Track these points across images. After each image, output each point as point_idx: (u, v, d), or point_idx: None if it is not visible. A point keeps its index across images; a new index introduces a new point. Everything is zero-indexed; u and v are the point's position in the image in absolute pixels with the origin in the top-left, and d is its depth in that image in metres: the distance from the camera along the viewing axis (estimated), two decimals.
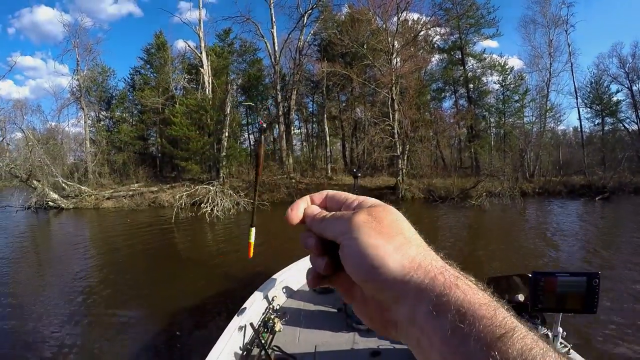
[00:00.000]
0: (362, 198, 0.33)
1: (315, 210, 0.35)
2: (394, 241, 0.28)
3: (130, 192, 21.55)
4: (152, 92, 24.89)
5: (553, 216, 14.54)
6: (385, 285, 0.27)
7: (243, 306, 2.87)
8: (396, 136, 18.51)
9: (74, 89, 26.16)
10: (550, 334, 1.95)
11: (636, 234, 9.83)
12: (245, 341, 2.57)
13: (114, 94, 28.66)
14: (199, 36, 23.24)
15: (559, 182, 20.56)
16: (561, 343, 1.96)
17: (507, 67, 23.53)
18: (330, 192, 0.37)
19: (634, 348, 3.75)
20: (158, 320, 4.92)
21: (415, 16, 21.73)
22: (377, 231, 0.28)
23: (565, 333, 1.95)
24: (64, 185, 22.08)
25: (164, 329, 4.63)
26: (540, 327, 2.05)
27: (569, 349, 1.97)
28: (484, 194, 16.61)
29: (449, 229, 12.05)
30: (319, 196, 0.37)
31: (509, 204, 16.28)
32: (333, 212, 0.33)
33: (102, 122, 28.20)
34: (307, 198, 0.37)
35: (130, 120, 27.99)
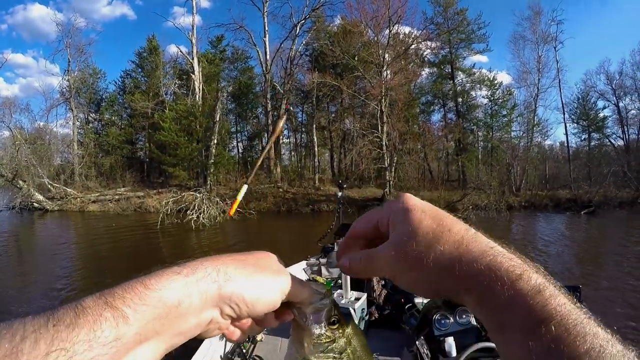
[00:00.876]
0: (387, 210, 0.34)
1: (351, 259, 0.36)
2: (425, 269, 0.29)
3: (117, 197, 21.31)
4: (142, 96, 24.73)
5: (538, 229, 14.70)
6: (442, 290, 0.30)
7: None
8: (384, 148, 18.58)
9: (64, 90, 25.98)
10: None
11: (619, 248, 9.95)
12: (226, 350, 2.49)
13: (104, 97, 28.48)
14: (191, 42, 23.24)
15: (545, 196, 20.78)
16: None
17: (496, 82, 23.92)
18: (356, 225, 0.37)
19: None
20: None
21: (407, 30, 22.05)
22: (407, 268, 0.31)
23: None
24: (49, 186, 21.77)
25: None
26: None
27: None
28: (471, 206, 16.74)
29: None
30: (350, 240, 0.38)
31: (495, 217, 16.42)
32: (366, 256, 0.35)
33: (91, 125, 27.93)
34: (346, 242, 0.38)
35: (119, 123, 27.74)
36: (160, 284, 0.27)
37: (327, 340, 0.33)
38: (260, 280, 0.31)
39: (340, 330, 0.33)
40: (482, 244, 0.30)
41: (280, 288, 0.32)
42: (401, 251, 0.31)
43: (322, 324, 0.32)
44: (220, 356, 2.42)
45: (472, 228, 0.32)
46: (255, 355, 2.52)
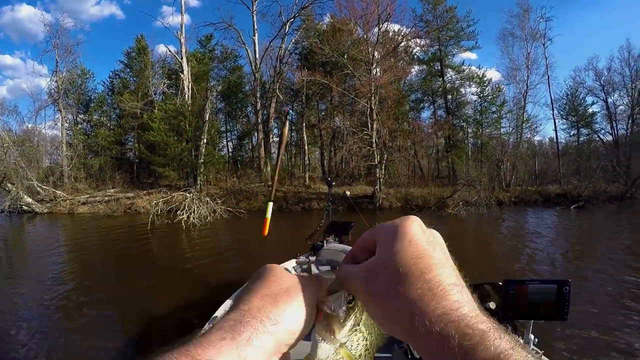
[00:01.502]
0: (379, 232, 0.33)
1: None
2: (383, 309, 0.29)
3: (106, 198, 21.06)
4: (131, 97, 24.44)
5: (528, 225, 14.73)
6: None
7: (214, 315, 2.74)
8: (374, 145, 18.57)
9: (52, 91, 25.57)
10: (522, 341, 1.95)
11: (608, 242, 10.03)
12: None
13: (92, 97, 28.09)
14: (180, 41, 23.01)
15: (535, 191, 20.94)
16: (533, 349, 1.95)
17: (485, 78, 24.09)
18: (364, 235, 0.36)
19: (603, 352, 3.88)
20: (128, 328, 4.85)
21: (396, 27, 22.05)
22: (370, 299, 0.31)
23: (537, 340, 1.96)
24: (38, 189, 21.44)
25: (134, 337, 4.55)
26: (512, 334, 2.05)
27: (541, 356, 1.99)
28: (461, 203, 16.78)
29: None
30: (349, 255, 0.38)
31: (485, 213, 16.46)
32: (347, 273, 0.34)
33: (80, 126, 27.55)
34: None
35: (108, 124, 27.40)
36: (209, 354, 0.24)
37: (351, 318, 0.34)
38: (299, 307, 0.31)
39: (355, 304, 0.35)
40: (449, 303, 0.27)
41: (314, 302, 0.33)
42: (369, 279, 0.30)
43: (344, 307, 0.34)
44: None
45: (451, 277, 0.29)
46: None
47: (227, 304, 3.02)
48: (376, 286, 0.30)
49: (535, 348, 1.97)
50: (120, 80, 27.04)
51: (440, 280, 0.28)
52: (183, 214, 15.17)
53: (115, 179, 23.64)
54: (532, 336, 1.91)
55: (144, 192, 21.77)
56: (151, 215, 13.95)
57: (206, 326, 2.48)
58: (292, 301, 0.31)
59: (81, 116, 27.91)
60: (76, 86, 27.16)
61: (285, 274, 0.34)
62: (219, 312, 2.80)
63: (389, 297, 0.29)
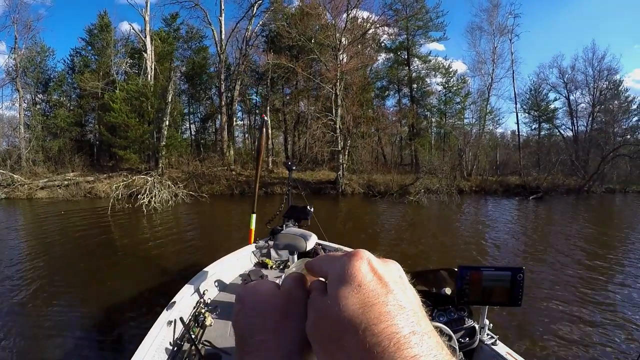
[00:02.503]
0: (331, 267, 0.30)
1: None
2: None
3: (66, 182, 20.23)
4: (92, 76, 23.41)
5: (488, 213, 15.09)
6: None
7: (173, 300, 2.70)
8: (338, 131, 18.60)
9: (10, 69, 24.13)
10: (477, 326, 1.99)
11: (564, 232, 10.32)
12: (176, 336, 2.41)
13: (52, 76, 26.65)
14: (144, 19, 22.15)
15: (495, 181, 21.59)
16: (488, 334, 1.99)
17: (451, 70, 24.51)
18: (310, 263, 0.34)
19: (556, 336, 4.05)
20: (88, 315, 4.72)
21: (365, 14, 21.99)
22: (319, 351, 0.27)
23: (491, 325, 2.00)
24: None
25: (93, 325, 4.44)
26: (466, 319, 2.07)
27: (496, 340, 1.99)
28: (422, 190, 17.07)
29: (387, 224, 12.21)
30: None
31: (446, 200, 16.81)
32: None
33: (38, 106, 26.16)
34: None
35: (68, 104, 26.20)
36: None
37: None
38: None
39: None
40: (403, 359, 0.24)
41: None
42: (314, 324, 0.28)
43: None
44: (170, 342, 2.33)
45: (409, 325, 0.25)
46: (205, 340, 2.45)
47: (186, 289, 3.00)
48: (321, 334, 0.27)
49: (491, 333, 2.00)
50: (81, 59, 25.83)
51: (394, 331, 0.24)
52: (144, 198, 14.76)
53: (75, 162, 22.71)
54: (487, 321, 1.96)
55: (105, 175, 21.06)
56: (111, 200, 13.58)
57: (165, 311, 2.52)
58: None
59: (40, 96, 26.52)
60: (35, 64, 25.74)
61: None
62: (177, 298, 2.78)
63: (334, 347, 0.25)
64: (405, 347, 0.23)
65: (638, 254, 7.70)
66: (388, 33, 22.94)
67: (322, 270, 0.31)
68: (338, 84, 18.84)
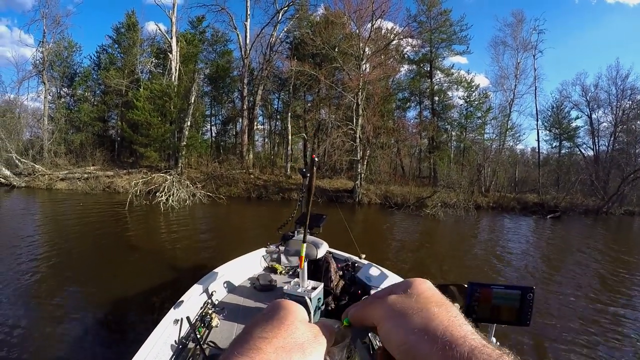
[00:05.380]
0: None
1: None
2: (416, 318, 0.31)
3: (86, 175, 20.71)
4: (117, 73, 23.93)
5: (504, 230, 14.89)
6: None
7: (180, 299, 2.75)
8: (358, 141, 18.61)
9: (37, 62, 24.93)
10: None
11: (579, 254, 10.16)
12: (181, 335, 2.44)
13: (77, 71, 27.37)
14: (171, 20, 22.55)
15: (513, 198, 21.24)
16: None
17: (473, 84, 24.30)
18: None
19: (562, 358, 4.03)
20: (96, 307, 4.82)
21: (389, 25, 22.04)
22: (403, 313, 0.32)
23: (498, 343, 2.00)
24: (17, 162, 20.92)
25: (100, 318, 4.52)
26: None
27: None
28: (439, 204, 16.91)
29: (402, 235, 12.20)
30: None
31: (462, 215, 16.62)
32: (369, 300, 0.37)
33: (63, 99, 26.88)
34: None
35: (92, 100, 26.80)
36: None
37: None
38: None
39: (353, 357, 0.37)
40: (467, 327, 0.31)
41: (324, 356, 0.33)
42: (401, 302, 0.33)
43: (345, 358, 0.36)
44: (175, 341, 2.36)
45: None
46: (210, 341, 2.46)
47: (194, 288, 3.03)
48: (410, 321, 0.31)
49: None
50: (107, 56, 26.40)
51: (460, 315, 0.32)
52: (162, 196, 15.01)
53: (96, 156, 23.19)
54: (494, 339, 1.93)
55: (124, 171, 21.47)
56: (130, 196, 13.78)
57: (172, 309, 2.56)
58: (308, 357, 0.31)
59: (65, 90, 27.25)
60: (62, 59, 26.49)
61: (299, 325, 0.34)
62: (185, 297, 2.81)
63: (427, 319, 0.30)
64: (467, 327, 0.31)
65: None
66: (411, 45, 22.98)
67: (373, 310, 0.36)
68: (360, 93, 18.88)
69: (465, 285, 1.78)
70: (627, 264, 9.07)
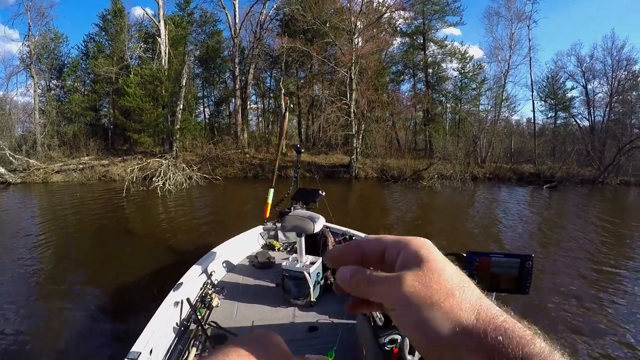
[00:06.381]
0: (402, 244, 0.31)
1: (355, 272, 0.31)
2: (445, 308, 0.27)
3: (81, 166, 20.57)
4: (106, 61, 23.60)
5: (500, 201, 14.99)
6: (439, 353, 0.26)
7: (180, 281, 2.73)
8: (352, 115, 18.48)
9: (24, 56, 24.42)
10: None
11: (576, 223, 10.26)
12: (182, 317, 2.44)
13: (66, 62, 26.87)
14: (157, 3, 22.10)
15: (509, 169, 21.28)
16: None
17: (467, 55, 24.04)
18: (365, 241, 0.33)
19: (561, 326, 4.11)
20: (97, 293, 4.85)
21: None
22: (428, 303, 0.27)
23: None
24: (11, 158, 20.72)
25: (102, 303, 4.55)
26: None
27: None
28: (436, 176, 16.97)
29: (400, 208, 12.27)
30: (354, 249, 0.33)
31: (459, 187, 16.72)
32: (377, 275, 0.30)
33: (53, 92, 26.49)
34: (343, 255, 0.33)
35: (82, 90, 26.44)
36: None
37: None
38: None
39: None
40: (495, 309, 0.27)
41: None
42: (422, 286, 0.27)
43: None
44: (176, 323, 2.35)
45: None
46: (211, 321, 2.46)
47: (193, 270, 3.02)
48: (433, 292, 0.27)
49: None
50: (95, 44, 25.99)
51: (480, 293, 0.29)
52: (159, 180, 15.04)
53: (90, 146, 23.01)
54: None
55: (119, 159, 21.37)
56: (126, 183, 13.76)
57: (172, 292, 2.55)
58: None
59: (54, 82, 26.82)
60: (49, 51, 26.01)
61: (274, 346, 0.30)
62: (185, 278, 2.80)
63: (447, 304, 0.27)
64: (486, 304, 0.28)
65: None
66: (404, 17, 22.62)
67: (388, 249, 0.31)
68: (353, 67, 18.67)
69: (464, 255, 1.78)
70: (622, 234, 9.14)
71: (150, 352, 1.91)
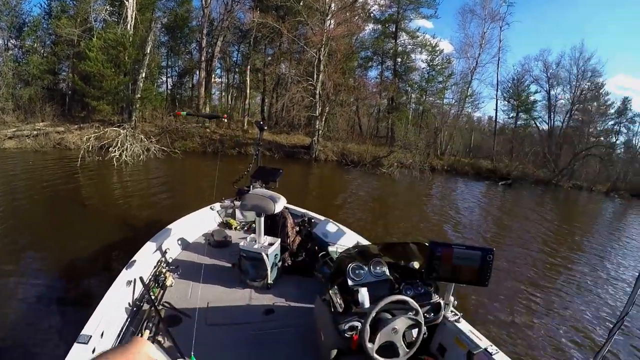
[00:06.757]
0: None
1: None
2: None
3: (35, 132, 19.54)
4: (69, 22, 22.39)
5: (457, 193, 15.45)
6: None
7: (133, 259, 2.58)
8: (317, 97, 18.47)
9: None
10: (442, 301, 1.99)
11: (527, 220, 10.72)
12: (135, 297, 2.30)
13: (26, 20, 25.37)
14: None
15: (468, 163, 22.00)
16: (452, 311, 1.99)
17: (437, 48, 24.47)
18: None
19: (514, 316, 4.36)
20: (45, 271, 4.53)
21: None
22: None
23: (456, 302, 2.00)
24: None
25: (51, 282, 4.23)
26: (433, 294, 2.05)
27: (459, 317, 1.99)
28: (396, 163, 17.26)
29: (357, 193, 12.33)
30: None
31: (417, 176, 17.07)
32: None
33: (10, 52, 24.93)
34: None
35: (42, 51, 25.04)
36: None
37: None
38: None
39: None
40: None
41: None
42: None
43: None
44: (129, 302, 2.25)
45: None
46: (165, 302, 2.37)
47: (147, 247, 2.91)
48: None
49: (455, 310, 2.01)
50: (59, 3, 24.58)
51: None
52: (115, 151, 14.54)
53: (46, 112, 21.90)
54: (452, 298, 1.96)
55: (76, 126, 20.53)
56: (82, 152, 13.29)
57: (124, 270, 2.41)
58: None
59: (12, 41, 25.21)
60: (10, 7, 24.44)
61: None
62: (138, 256, 2.68)
63: None
64: None
65: (590, 248, 8.23)
66: (379, 4, 22.67)
67: None
68: (322, 49, 18.60)
69: (426, 244, 1.82)
70: (570, 232, 9.79)
71: (102, 335, 1.81)
